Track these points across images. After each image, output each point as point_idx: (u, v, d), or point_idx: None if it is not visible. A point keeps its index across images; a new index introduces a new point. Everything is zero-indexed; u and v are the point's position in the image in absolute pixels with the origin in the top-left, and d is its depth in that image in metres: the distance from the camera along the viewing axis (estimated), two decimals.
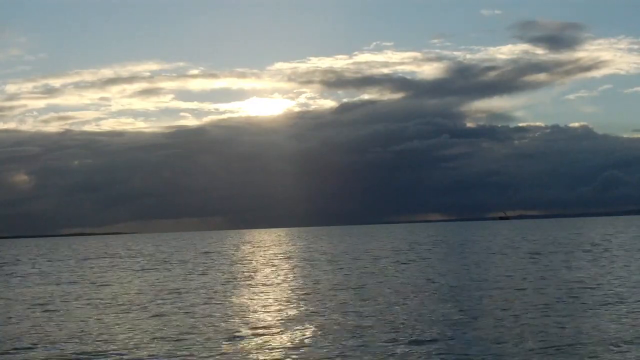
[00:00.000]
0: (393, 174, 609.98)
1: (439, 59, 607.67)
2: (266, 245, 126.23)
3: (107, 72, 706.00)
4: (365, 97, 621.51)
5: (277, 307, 30.58)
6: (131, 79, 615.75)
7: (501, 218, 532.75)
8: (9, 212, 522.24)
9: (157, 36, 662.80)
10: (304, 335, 23.28)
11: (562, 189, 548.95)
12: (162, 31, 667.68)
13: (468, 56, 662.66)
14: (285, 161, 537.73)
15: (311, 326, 24.94)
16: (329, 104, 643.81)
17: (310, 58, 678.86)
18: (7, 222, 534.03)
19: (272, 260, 69.63)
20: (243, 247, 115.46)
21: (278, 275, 49.44)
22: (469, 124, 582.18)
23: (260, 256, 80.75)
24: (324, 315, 27.46)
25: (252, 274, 51.55)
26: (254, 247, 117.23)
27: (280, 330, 24.31)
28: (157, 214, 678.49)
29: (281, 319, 26.85)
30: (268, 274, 51.09)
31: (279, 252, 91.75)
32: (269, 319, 27.21)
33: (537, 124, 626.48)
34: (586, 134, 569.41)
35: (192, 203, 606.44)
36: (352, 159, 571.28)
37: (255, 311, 29.67)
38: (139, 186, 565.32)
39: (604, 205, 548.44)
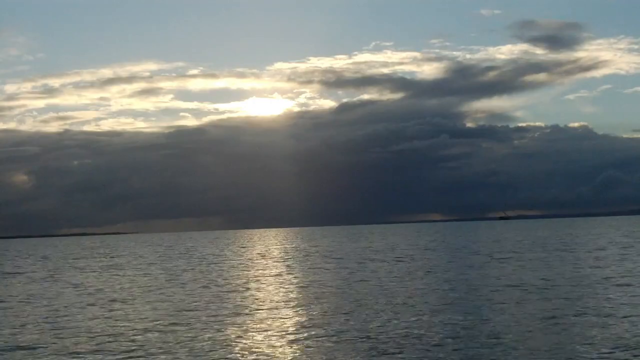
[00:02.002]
0: (393, 174, 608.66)
1: (438, 59, 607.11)
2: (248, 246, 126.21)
3: (107, 72, 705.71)
4: (365, 97, 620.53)
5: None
6: (130, 78, 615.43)
7: (501, 218, 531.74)
8: (9, 212, 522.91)
9: (156, 36, 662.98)
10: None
11: (562, 189, 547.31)
12: (161, 31, 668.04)
13: (468, 56, 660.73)
14: (284, 161, 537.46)
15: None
16: (328, 104, 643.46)
17: (310, 58, 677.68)
18: (6, 222, 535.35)
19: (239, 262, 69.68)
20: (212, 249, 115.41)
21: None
22: (469, 124, 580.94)
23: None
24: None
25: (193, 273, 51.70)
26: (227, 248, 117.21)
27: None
28: (157, 214, 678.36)
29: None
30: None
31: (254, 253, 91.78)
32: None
33: (537, 124, 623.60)
34: (586, 134, 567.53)
35: (192, 203, 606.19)
36: (351, 159, 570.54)
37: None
38: (139, 186, 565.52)
39: (603, 205, 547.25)
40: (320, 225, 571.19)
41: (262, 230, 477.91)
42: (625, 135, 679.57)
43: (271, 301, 33.19)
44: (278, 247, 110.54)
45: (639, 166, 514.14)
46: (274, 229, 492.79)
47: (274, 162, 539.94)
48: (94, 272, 61.47)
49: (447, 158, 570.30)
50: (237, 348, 21.52)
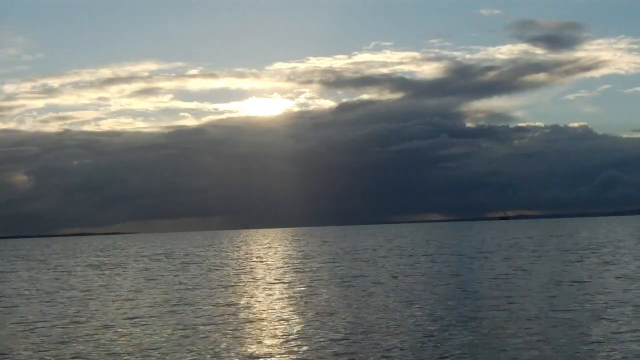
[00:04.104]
0: (392, 174, 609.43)
1: (438, 58, 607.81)
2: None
3: (106, 72, 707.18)
4: (365, 97, 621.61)
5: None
6: (130, 78, 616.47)
7: (501, 218, 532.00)
8: (9, 212, 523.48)
9: (156, 36, 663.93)
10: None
11: (562, 189, 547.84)
12: (161, 31, 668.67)
13: (467, 56, 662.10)
14: (284, 161, 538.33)
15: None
16: (328, 104, 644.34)
17: (310, 58, 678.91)
18: (6, 222, 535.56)
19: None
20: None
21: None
22: (469, 124, 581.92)
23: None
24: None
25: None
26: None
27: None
28: (157, 214, 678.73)
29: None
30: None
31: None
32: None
33: (537, 124, 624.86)
34: (586, 134, 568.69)
35: (192, 203, 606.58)
36: (351, 159, 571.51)
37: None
38: (138, 186, 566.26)
39: (603, 205, 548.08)
40: (320, 225, 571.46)
41: (261, 230, 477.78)
42: (625, 135, 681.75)
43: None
44: (262, 248, 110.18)
45: (639, 166, 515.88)
46: (273, 229, 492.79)
47: (273, 162, 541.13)
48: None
49: (446, 158, 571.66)
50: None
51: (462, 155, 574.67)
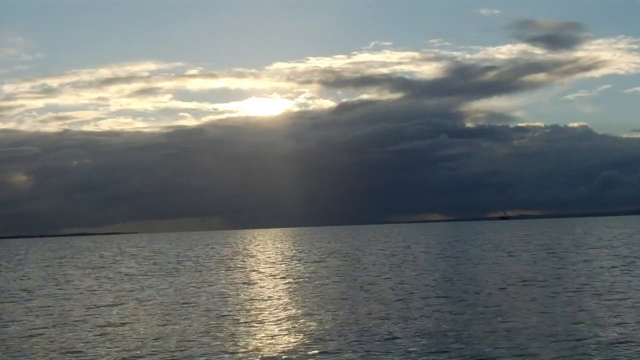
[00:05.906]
0: (392, 174, 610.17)
1: (437, 58, 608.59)
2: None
3: (105, 72, 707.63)
4: (364, 97, 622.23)
5: None
6: (129, 78, 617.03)
7: (501, 218, 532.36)
8: (9, 212, 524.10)
9: (155, 36, 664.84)
10: None
11: (562, 189, 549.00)
12: (161, 31, 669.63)
13: (467, 56, 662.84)
14: (284, 161, 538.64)
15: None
16: (327, 104, 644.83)
17: (309, 58, 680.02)
18: (6, 222, 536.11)
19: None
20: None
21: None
22: (468, 124, 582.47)
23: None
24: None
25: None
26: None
27: None
28: (156, 214, 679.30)
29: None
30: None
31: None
32: None
33: (537, 124, 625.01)
34: (585, 134, 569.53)
35: (191, 203, 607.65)
36: (350, 159, 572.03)
37: None
38: (138, 186, 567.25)
39: (603, 205, 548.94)
40: (320, 225, 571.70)
41: (261, 230, 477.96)
42: (624, 135, 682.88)
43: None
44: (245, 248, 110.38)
45: (638, 166, 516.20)
46: (273, 229, 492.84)
47: (273, 162, 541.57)
48: None
49: (446, 158, 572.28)
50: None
51: (462, 155, 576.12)
